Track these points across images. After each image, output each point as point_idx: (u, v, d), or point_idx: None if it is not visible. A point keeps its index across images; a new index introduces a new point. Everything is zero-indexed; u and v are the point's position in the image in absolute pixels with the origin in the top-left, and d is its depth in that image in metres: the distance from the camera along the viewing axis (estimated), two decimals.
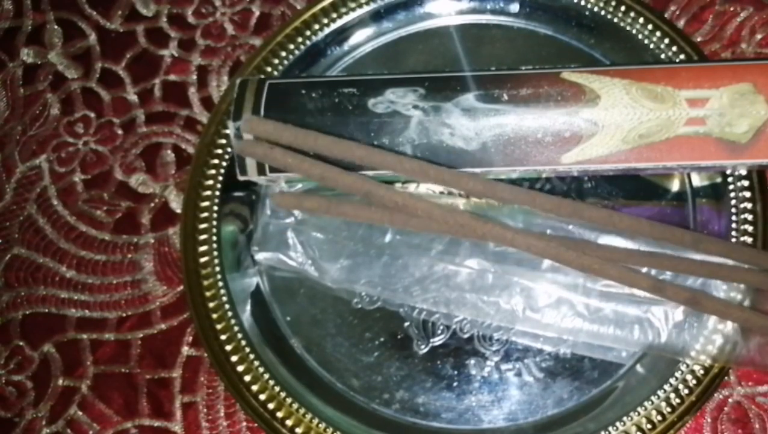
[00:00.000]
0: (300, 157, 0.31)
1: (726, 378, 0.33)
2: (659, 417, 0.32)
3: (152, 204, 0.39)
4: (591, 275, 0.31)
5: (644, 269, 0.32)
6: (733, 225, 0.34)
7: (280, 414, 0.33)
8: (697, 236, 0.32)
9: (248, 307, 0.35)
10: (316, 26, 0.39)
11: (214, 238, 0.36)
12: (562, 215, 0.31)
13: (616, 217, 0.31)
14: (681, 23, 0.40)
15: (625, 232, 0.32)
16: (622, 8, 0.38)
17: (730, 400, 0.34)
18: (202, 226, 0.36)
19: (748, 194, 0.34)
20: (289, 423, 0.33)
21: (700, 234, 0.33)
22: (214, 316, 0.34)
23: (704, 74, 0.31)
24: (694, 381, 0.32)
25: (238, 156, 0.33)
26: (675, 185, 0.36)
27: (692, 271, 0.31)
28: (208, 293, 0.35)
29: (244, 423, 0.35)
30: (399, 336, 0.35)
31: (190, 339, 0.36)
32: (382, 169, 0.31)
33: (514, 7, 0.39)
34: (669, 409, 0.32)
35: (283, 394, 0.33)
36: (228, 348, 0.34)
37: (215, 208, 0.36)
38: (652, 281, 0.30)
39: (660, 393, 0.32)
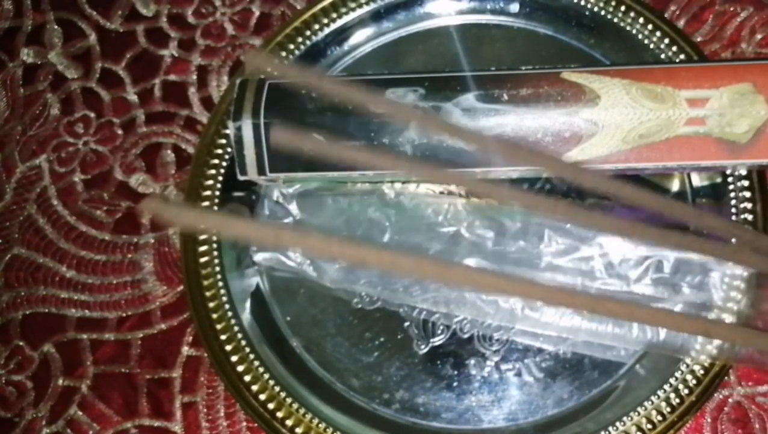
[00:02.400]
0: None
1: (726, 378, 0.33)
2: (659, 417, 0.32)
3: None
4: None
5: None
6: None
7: (280, 414, 0.33)
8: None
9: (248, 307, 0.35)
10: (316, 26, 0.39)
11: (214, 238, 0.36)
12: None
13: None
14: (681, 23, 0.40)
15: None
16: (622, 8, 0.38)
17: (730, 400, 0.34)
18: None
19: (748, 194, 0.34)
20: (289, 423, 0.33)
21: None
22: (214, 316, 0.34)
23: (704, 74, 0.31)
24: (694, 381, 0.32)
25: (238, 156, 0.33)
26: (675, 185, 0.36)
27: (691, 247, 0.31)
28: (208, 293, 0.35)
29: (244, 423, 0.35)
30: (399, 336, 0.35)
31: (190, 339, 0.36)
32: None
33: (514, 7, 0.39)
34: (669, 409, 0.32)
35: (283, 394, 0.33)
36: (228, 348, 0.34)
37: (215, 208, 0.36)
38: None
39: (660, 393, 0.32)
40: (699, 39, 0.39)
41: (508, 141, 0.31)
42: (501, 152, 0.31)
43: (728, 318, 0.32)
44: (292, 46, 0.39)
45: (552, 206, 0.30)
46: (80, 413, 0.36)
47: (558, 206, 0.30)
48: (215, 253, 0.35)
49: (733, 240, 0.32)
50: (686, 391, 0.32)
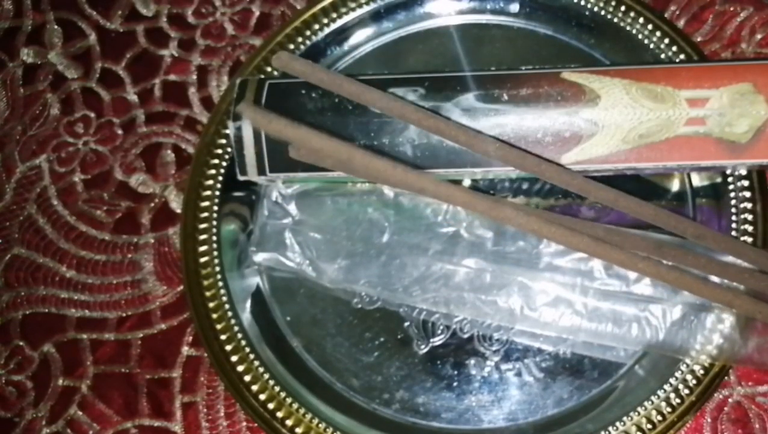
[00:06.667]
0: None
1: (726, 378, 0.33)
2: (659, 417, 0.32)
3: (152, 204, 0.39)
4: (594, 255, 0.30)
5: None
6: (733, 225, 0.34)
7: (280, 414, 0.33)
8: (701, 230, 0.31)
9: (248, 307, 0.35)
10: (316, 26, 0.39)
11: (214, 238, 0.36)
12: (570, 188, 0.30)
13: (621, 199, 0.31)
14: (681, 23, 0.40)
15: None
16: (622, 8, 0.38)
17: (730, 400, 0.34)
18: (202, 226, 0.36)
19: (748, 194, 0.34)
20: (289, 423, 0.33)
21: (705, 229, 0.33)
22: (214, 316, 0.34)
23: (704, 74, 0.31)
24: (694, 381, 0.32)
25: (238, 156, 0.33)
26: (675, 185, 0.36)
27: (696, 266, 0.31)
28: (208, 293, 0.35)
29: (244, 423, 0.35)
30: (399, 336, 0.35)
31: (190, 338, 0.37)
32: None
33: (514, 7, 0.39)
34: (669, 409, 0.32)
35: (283, 394, 0.33)
36: (228, 348, 0.34)
37: (215, 208, 0.36)
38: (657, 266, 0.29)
39: (660, 393, 0.32)
40: (699, 39, 0.39)
41: (506, 146, 0.30)
42: (500, 157, 0.30)
43: (728, 318, 0.32)
44: (292, 46, 0.39)
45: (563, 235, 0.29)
46: (80, 413, 0.36)
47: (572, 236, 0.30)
48: (215, 253, 0.35)
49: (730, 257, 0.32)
50: (686, 391, 0.32)
